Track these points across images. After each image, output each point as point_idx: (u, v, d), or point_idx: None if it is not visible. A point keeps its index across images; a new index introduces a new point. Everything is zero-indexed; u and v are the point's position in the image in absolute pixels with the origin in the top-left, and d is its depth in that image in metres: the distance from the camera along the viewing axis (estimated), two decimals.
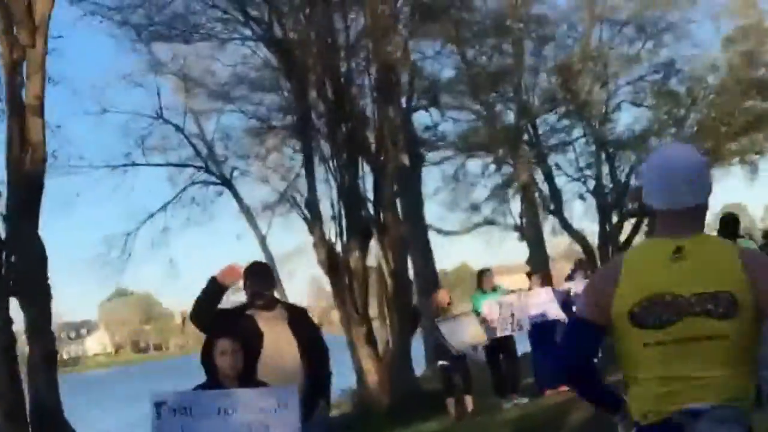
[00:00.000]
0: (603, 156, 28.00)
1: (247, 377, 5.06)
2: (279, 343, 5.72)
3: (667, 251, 2.95)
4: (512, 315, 12.96)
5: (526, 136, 28.19)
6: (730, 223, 9.33)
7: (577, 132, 28.63)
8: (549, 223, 29.95)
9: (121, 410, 27.04)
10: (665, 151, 3.13)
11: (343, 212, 14.23)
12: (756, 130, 26.85)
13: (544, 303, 13.20)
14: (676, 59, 26.76)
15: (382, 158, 14.50)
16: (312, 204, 14.54)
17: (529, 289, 13.62)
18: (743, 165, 29.33)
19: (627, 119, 43.33)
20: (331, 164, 14.45)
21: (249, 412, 4.68)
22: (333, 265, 14.04)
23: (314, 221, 14.37)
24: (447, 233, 30.90)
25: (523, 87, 26.85)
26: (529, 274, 14.20)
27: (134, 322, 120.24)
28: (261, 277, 5.88)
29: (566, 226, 28.94)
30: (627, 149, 27.53)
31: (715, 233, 7.63)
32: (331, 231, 14.47)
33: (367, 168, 14.94)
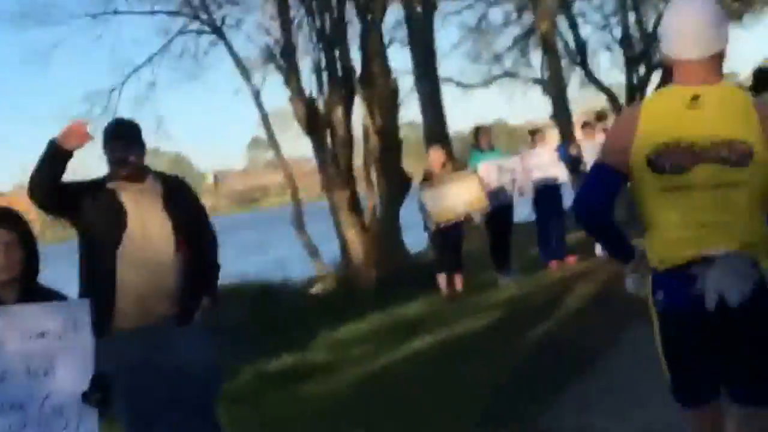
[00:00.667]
0: (629, 2, 26.17)
1: (31, 285, 3.55)
2: (148, 224, 4.41)
3: (684, 99, 3.03)
4: (513, 180, 11.55)
5: None
6: (763, 77, 8.51)
7: None
8: (576, 77, 28.57)
9: None
10: (682, 1, 3.14)
11: (323, 62, 12.37)
12: None
13: (547, 164, 11.81)
14: None
15: None
16: (288, 51, 12.62)
17: (532, 148, 12.15)
18: None
19: None
20: (310, 4, 12.50)
21: (27, 338, 3.23)
22: (312, 121, 12.32)
23: (291, 72, 12.52)
24: (466, 86, 29.68)
25: None
26: (532, 132, 12.56)
27: None
28: (124, 138, 4.46)
29: (592, 78, 27.40)
30: None
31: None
32: (313, 85, 12.71)
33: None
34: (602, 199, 3.15)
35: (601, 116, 15.02)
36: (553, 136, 23.95)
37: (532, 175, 11.73)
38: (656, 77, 27.32)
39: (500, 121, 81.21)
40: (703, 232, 2.97)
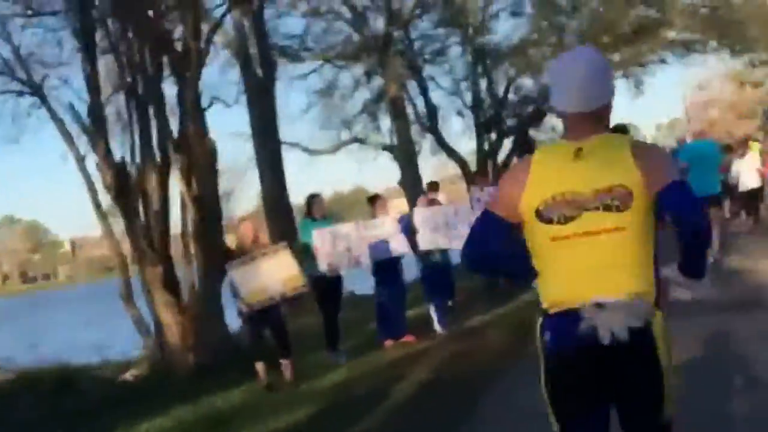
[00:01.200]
0: (480, 68, 26.08)
1: None
2: None
3: (569, 152, 3.14)
4: (348, 249, 10.67)
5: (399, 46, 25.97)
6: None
7: (453, 41, 26.62)
8: (428, 142, 28.27)
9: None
10: (568, 55, 3.24)
11: (135, 122, 11.12)
12: (640, 40, 25.03)
13: (389, 235, 10.95)
14: None
15: (187, 55, 11.39)
16: (93, 112, 11.30)
17: (373, 217, 11.28)
18: (627, 78, 27.64)
19: (506, 29, 41.65)
20: (121, 59, 11.26)
21: None
22: (122, 189, 11.02)
23: (98, 133, 11.21)
24: (313, 152, 28.93)
25: None
26: (371, 199, 11.67)
27: (22, 251, 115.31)
28: None
29: (443, 144, 27.07)
30: (505, 60, 25.44)
31: None
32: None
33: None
34: (486, 246, 3.26)
35: (433, 186, 14.42)
36: (400, 204, 23.37)
37: (369, 245, 10.84)
38: (508, 143, 27.28)
39: (358, 188, 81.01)
40: (593, 279, 3.05)
